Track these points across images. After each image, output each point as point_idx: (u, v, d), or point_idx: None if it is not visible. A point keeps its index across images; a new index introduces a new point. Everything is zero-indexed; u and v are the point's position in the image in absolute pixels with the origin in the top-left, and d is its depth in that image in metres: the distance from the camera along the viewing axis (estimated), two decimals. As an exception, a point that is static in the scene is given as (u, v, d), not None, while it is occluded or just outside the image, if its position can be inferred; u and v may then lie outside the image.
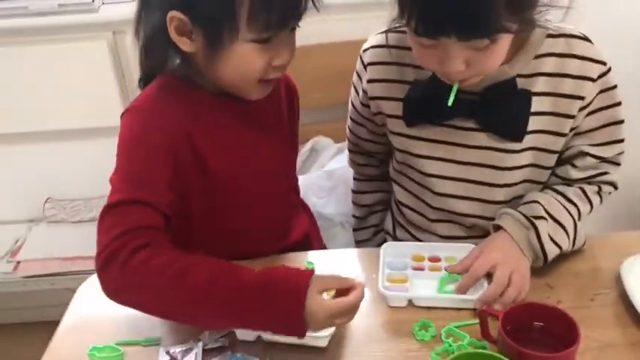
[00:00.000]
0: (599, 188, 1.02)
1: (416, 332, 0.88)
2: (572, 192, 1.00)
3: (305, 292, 0.77)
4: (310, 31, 0.95)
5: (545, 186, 1.04)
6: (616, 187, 1.04)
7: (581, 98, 0.95)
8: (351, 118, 1.18)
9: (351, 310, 0.82)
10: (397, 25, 0.96)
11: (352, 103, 1.16)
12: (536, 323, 0.79)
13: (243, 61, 0.89)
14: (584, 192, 1.01)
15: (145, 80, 0.99)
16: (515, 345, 0.72)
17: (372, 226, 1.27)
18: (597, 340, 0.85)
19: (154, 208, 0.85)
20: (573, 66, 0.95)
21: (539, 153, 1.00)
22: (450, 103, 0.90)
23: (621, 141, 1.00)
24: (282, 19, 0.86)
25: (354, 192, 1.28)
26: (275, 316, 0.78)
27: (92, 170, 1.99)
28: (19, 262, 1.84)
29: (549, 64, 0.95)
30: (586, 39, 0.97)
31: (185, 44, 0.89)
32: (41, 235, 1.95)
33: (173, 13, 0.86)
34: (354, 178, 1.29)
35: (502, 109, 0.96)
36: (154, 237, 0.83)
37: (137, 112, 0.93)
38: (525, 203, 0.99)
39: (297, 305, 0.77)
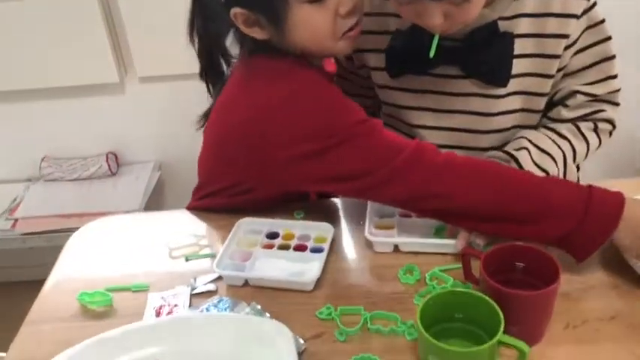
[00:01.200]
0: (595, 125, 1.00)
1: (401, 276, 0.89)
2: (564, 127, 0.99)
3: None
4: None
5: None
6: (614, 125, 1.02)
7: (566, 36, 0.94)
8: (336, 74, 1.17)
9: None
10: None
11: (336, 58, 1.14)
12: (517, 264, 0.79)
13: (310, 24, 0.88)
14: (577, 128, 0.99)
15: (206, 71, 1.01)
16: (496, 285, 0.73)
17: None
18: (582, 282, 0.86)
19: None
20: (556, 4, 0.93)
21: (527, 97, 0.99)
22: (431, 55, 0.89)
23: (614, 77, 0.98)
24: None
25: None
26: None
27: (88, 128, 2.00)
28: (17, 220, 1.86)
29: (531, 4, 0.94)
30: None
31: (257, 33, 0.90)
32: (38, 193, 1.97)
33: (235, 10, 0.87)
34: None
35: (485, 54, 0.95)
36: None
37: (290, 97, 0.90)
38: (513, 140, 0.99)
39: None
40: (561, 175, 0.96)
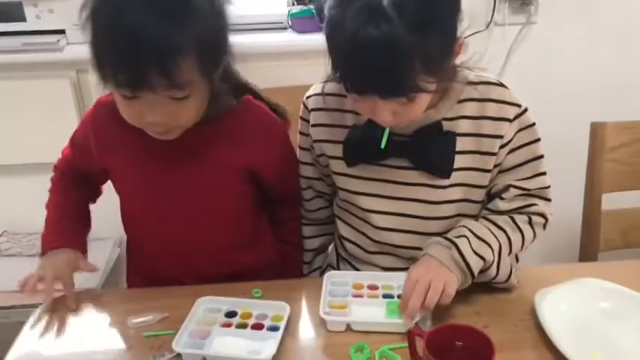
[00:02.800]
0: (530, 219, 1.08)
1: (352, 354, 0.94)
2: (501, 219, 1.08)
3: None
4: (266, 75, 1.03)
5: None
6: (546, 219, 1.10)
7: (501, 137, 1.05)
8: (300, 161, 1.26)
9: None
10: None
11: (300, 146, 1.25)
12: (457, 343, 0.86)
13: (118, 104, 1.00)
14: (513, 220, 1.08)
15: None
16: (437, 362, 0.79)
17: (318, 267, 1.34)
18: (516, 362, 0.93)
19: (75, 167, 1.21)
20: (491, 109, 1.06)
21: (468, 188, 1.09)
22: (382, 146, 1.01)
23: (543, 174, 1.09)
24: (130, 84, 0.92)
25: (306, 238, 1.33)
26: None
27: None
28: (-31, 296, 1.82)
29: (470, 108, 1.06)
30: (502, 85, 1.08)
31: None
32: (-6, 268, 1.94)
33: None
34: (303, 224, 1.34)
35: (430, 149, 1.07)
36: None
37: (87, 114, 1.16)
38: (454, 229, 1.07)
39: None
40: (495, 264, 1.04)
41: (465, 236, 1.03)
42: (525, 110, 1.07)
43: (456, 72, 1.04)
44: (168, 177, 1.11)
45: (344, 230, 1.22)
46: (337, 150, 1.14)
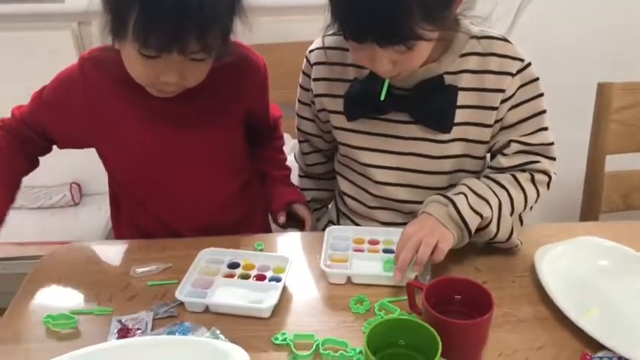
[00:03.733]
0: (532, 176, 1.08)
1: (352, 306, 0.96)
2: (503, 177, 1.07)
3: None
4: (270, 30, 1.02)
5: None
6: (549, 177, 1.09)
7: (502, 91, 1.05)
8: (298, 115, 1.27)
9: None
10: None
11: (299, 100, 1.25)
12: (456, 296, 0.87)
13: (131, 62, 0.98)
14: (515, 178, 1.07)
15: None
16: (436, 314, 0.80)
17: (316, 220, 1.35)
18: (514, 316, 0.94)
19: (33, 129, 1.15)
20: (494, 63, 1.05)
21: (468, 144, 1.09)
22: (382, 98, 1.00)
23: (545, 129, 1.08)
24: (162, 44, 0.91)
25: (300, 189, 1.35)
26: None
27: (53, 157, 2.01)
28: (-31, 245, 1.85)
29: (473, 62, 1.05)
30: (505, 40, 1.07)
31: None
32: (-4, 220, 1.96)
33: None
34: (300, 176, 1.38)
35: (431, 104, 1.06)
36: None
37: (67, 71, 1.12)
38: (456, 186, 1.07)
39: None
40: (495, 220, 1.03)
41: (462, 193, 1.03)
42: (528, 65, 1.06)
43: (457, 23, 1.03)
44: (173, 131, 1.11)
45: (344, 186, 1.23)
46: (338, 104, 1.13)
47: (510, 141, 1.08)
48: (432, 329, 0.78)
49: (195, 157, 1.14)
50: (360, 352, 0.86)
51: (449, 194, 1.04)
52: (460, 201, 1.01)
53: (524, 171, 1.09)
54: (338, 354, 0.86)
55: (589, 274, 1.01)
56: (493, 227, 1.04)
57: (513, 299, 0.98)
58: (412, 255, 0.96)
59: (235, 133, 1.18)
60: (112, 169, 1.20)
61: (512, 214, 1.07)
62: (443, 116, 1.06)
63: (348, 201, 1.23)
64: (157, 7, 0.88)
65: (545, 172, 1.09)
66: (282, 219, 1.22)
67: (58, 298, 1.00)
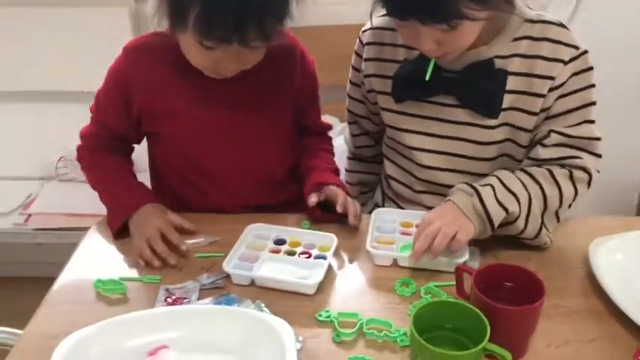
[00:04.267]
0: (571, 173, 1.02)
1: (397, 288, 0.95)
2: (538, 172, 1.03)
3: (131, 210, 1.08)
4: (320, 13, 1.01)
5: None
6: (590, 175, 1.03)
7: (552, 78, 1.00)
8: (349, 96, 1.26)
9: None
10: None
11: (350, 81, 1.23)
12: (506, 283, 0.85)
13: (189, 50, 1.01)
14: (551, 174, 1.02)
15: None
16: (485, 299, 0.78)
17: (362, 205, 1.32)
18: (565, 307, 0.92)
19: (108, 129, 1.16)
20: (546, 48, 1.01)
21: (514, 130, 1.05)
22: (427, 78, 0.98)
23: (591, 122, 1.03)
24: (223, 37, 0.93)
25: (347, 171, 1.35)
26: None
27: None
28: (30, 215, 1.92)
29: (524, 46, 1.02)
30: (562, 25, 1.02)
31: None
32: (52, 191, 2.03)
33: None
34: (348, 158, 1.36)
35: (480, 87, 1.03)
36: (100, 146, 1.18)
37: (119, 58, 1.12)
38: (484, 178, 1.04)
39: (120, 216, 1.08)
40: (523, 217, 0.99)
41: (490, 185, 0.99)
42: (583, 53, 1.01)
43: (511, 4, 0.99)
44: (228, 111, 1.11)
45: (391, 169, 1.21)
46: (387, 85, 1.12)
47: (550, 131, 1.03)
48: (480, 313, 0.76)
49: (247, 136, 1.14)
50: (404, 333, 0.85)
51: (477, 184, 1.01)
52: (486, 193, 0.98)
53: (562, 166, 1.03)
54: (382, 334, 0.85)
55: (646, 269, 0.97)
56: (520, 223, 1.00)
57: (565, 291, 0.95)
58: (429, 243, 0.94)
59: (285, 117, 1.18)
60: (163, 150, 1.20)
61: (544, 211, 1.02)
62: (491, 101, 1.03)
63: (394, 185, 1.21)
64: (218, 2, 0.90)
65: (585, 170, 1.03)
66: (312, 199, 1.09)
67: (108, 265, 1.03)
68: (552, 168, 1.03)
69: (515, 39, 1.02)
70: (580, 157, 1.03)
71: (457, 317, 0.79)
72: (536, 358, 0.82)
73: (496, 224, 0.98)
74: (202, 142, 1.14)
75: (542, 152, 1.04)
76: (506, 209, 0.98)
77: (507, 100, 1.03)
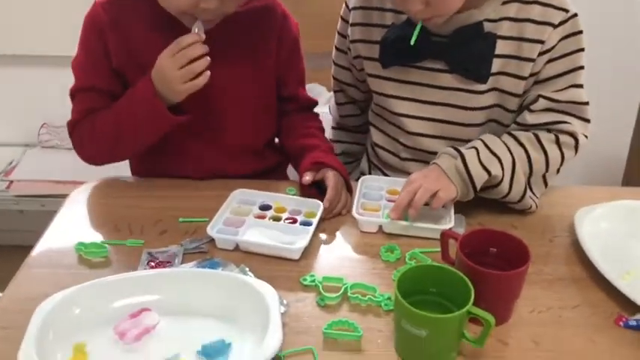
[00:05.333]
0: (557, 137, 1.02)
1: (382, 254, 0.95)
2: (524, 136, 1.02)
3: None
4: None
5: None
6: (577, 140, 1.03)
7: (541, 42, 0.99)
8: (334, 63, 1.23)
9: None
10: None
11: (336, 47, 1.21)
12: (491, 249, 0.85)
13: None
14: (537, 138, 1.02)
15: None
16: (470, 263, 0.78)
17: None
18: (550, 274, 0.92)
19: (99, 93, 1.08)
20: (536, 11, 0.99)
21: (502, 95, 1.04)
22: (412, 42, 0.96)
23: (579, 86, 1.02)
24: None
25: (332, 141, 1.31)
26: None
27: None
28: (11, 182, 1.90)
29: (514, 9, 1.00)
30: None
31: None
32: (35, 158, 2.00)
33: None
34: (333, 127, 1.35)
35: (469, 52, 1.01)
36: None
37: (88, 15, 1.08)
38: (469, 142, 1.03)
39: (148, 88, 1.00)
40: (507, 180, 0.99)
41: (475, 148, 0.99)
42: (573, 16, 0.99)
43: None
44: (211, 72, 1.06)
45: (377, 137, 1.20)
46: (373, 51, 1.10)
47: (539, 96, 1.02)
48: (464, 277, 0.76)
49: (224, 95, 1.10)
50: (389, 298, 0.85)
51: (462, 147, 1.00)
52: (470, 155, 0.98)
53: (549, 131, 1.03)
54: (366, 298, 0.85)
55: (630, 237, 0.97)
56: (504, 187, 1.00)
57: (550, 258, 0.95)
58: (410, 198, 0.95)
59: (265, 81, 1.15)
60: None
61: (530, 175, 1.02)
62: (480, 65, 1.01)
63: (381, 152, 1.20)
64: None
65: (572, 134, 1.03)
66: (307, 177, 1.06)
67: (90, 229, 1.01)
68: (539, 132, 1.03)
69: (505, 2, 1.00)
70: (568, 122, 1.02)
71: (442, 282, 0.79)
72: (520, 323, 0.83)
73: (478, 186, 0.98)
74: (184, 105, 1.07)
75: (529, 118, 1.03)
76: (488, 172, 0.98)
77: (496, 65, 1.02)
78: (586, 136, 1.04)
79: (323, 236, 0.99)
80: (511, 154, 1.00)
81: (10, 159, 2.00)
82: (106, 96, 1.09)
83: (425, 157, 1.12)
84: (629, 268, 0.91)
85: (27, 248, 0.97)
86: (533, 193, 1.04)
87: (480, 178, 0.98)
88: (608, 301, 0.86)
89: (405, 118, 1.11)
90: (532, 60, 1.00)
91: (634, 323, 0.82)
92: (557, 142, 1.02)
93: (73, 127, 1.11)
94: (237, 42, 1.08)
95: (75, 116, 1.11)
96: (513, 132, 1.04)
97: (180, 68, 0.97)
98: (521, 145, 1.01)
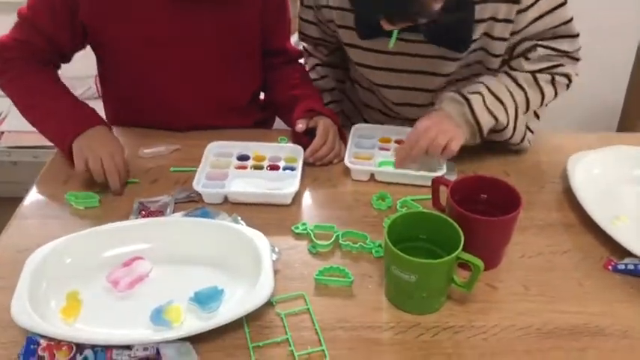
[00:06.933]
0: (553, 78, 1.02)
1: (374, 202, 0.95)
2: (521, 77, 1.01)
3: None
4: None
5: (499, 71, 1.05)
6: (570, 80, 1.04)
7: (517, 2, 0.95)
8: (300, 18, 1.16)
9: None
10: None
11: (302, 3, 1.13)
12: (482, 195, 0.85)
13: None
14: (535, 78, 1.01)
15: None
16: (460, 209, 0.78)
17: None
18: (541, 220, 0.93)
19: (43, 35, 1.03)
20: None
21: (484, 53, 1.02)
22: (390, 46, 0.92)
23: (574, 36, 1.01)
24: None
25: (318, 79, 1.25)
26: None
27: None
28: (2, 133, 1.88)
29: None
30: None
31: None
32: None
33: None
34: (317, 64, 1.25)
35: (447, 22, 0.93)
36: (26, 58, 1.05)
37: None
38: (472, 84, 1.02)
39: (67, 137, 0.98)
40: (511, 124, 1.00)
41: (479, 93, 0.98)
42: None
43: None
44: (188, 11, 1.03)
45: (365, 98, 1.19)
46: (348, 19, 1.04)
47: (537, 45, 1.00)
48: (454, 223, 0.76)
49: (203, 44, 1.06)
50: (379, 245, 0.85)
51: (465, 92, 0.99)
52: (476, 101, 0.97)
53: (544, 73, 1.02)
54: (357, 245, 0.85)
55: (622, 182, 0.98)
56: (509, 131, 1.00)
57: (541, 204, 0.96)
58: (427, 146, 0.94)
59: (247, 31, 1.10)
60: (113, 64, 1.11)
61: (526, 112, 1.03)
62: (460, 35, 0.98)
63: (372, 112, 1.20)
64: None
65: (566, 75, 1.03)
66: (300, 125, 1.04)
67: (80, 178, 0.99)
68: (535, 73, 1.02)
69: None
70: (562, 65, 1.02)
71: (432, 228, 0.79)
72: (510, 267, 0.83)
73: (485, 132, 0.98)
74: (157, 43, 1.04)
75: (526, 65, 1.02)
76: (496, 118, 0.98)
77: (476, 29, 0.98)
78: (577, 74, 1.04)
79: (313, 186, 0.99)
80: (513, 98, 1.00)
81: (-1, 110, 1.97)
82: (46, 41, 1.04)
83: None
84: (619, 213, 0.91)
85: (21, 200, 0.97)
86: (530, 130, 1.04)
87: (487, 124, 0.98)
88: (598, 246, 0.87)
89: (385, 88, 1.09)
90: (510, 21, 0.97)
91: (622, 267, 0.83)
92: (553, 81, 1.03)
93: (3, 47, 1.05)
94: None
95: (8, 40, 1.05)
96: (510, 72, 1.02)
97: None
98: (521, 87, 1.01)
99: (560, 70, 1.02)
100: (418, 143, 0.95)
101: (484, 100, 0.97)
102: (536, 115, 1.07)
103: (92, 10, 1.01)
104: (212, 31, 1.05)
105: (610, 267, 0.83)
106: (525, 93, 1.01)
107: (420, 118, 0.99)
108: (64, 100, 1.06)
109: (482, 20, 0.97)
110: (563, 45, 1.01)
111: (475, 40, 0.99)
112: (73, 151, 0.98)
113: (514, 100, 0.99)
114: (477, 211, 0.81)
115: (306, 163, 1.01)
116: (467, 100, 0.97)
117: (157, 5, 1.01)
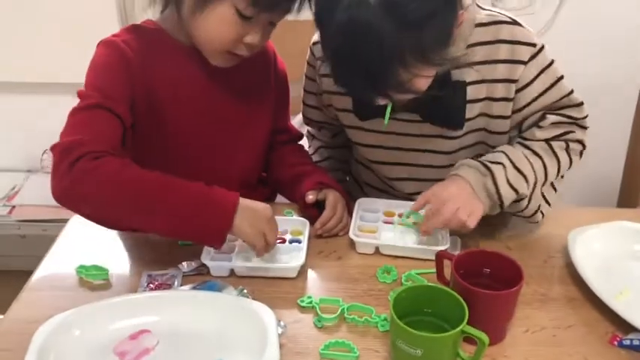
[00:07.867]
0: (567, 145, 1.03)
1: (379, 275, 0.96)
2: (537, 145, 1.03)
3: (233, 208, 0.89)
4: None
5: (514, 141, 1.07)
6: (584, 146, 1.05)
7: (514, 81, 0.98)
8: (304, 103, 1.22)
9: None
10: None
11: (305, 89, 1.20)
12: (485, 269, 0.86)
13: (220, 24, 0.94)
14: (550, 146, 1.03)
15: None
16: (464, 283, 0.79)
17: None
18: (543, 295, 0.93)
19: (115, 115, 0.94)
20: (503, 51, 0.98)
21: (485, 133, 1.06)
22: (385, 123, 0.98)
23: (579, 104, 1.03)
24: (270, 4, 0.92)
25: (322, 160, 1.30)
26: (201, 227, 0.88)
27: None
28: (14, 207, 1.91)
29: (480, 53, 0.98)
30: (515, 22, 0.99)
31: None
32: (37, 183, 2.03)
33: None
34: (321, 147, 1.31)
35: (440, 102, 0.99)
36: (110, 148, 0.90)
37: (107, 43, 1.00)
38: (492, 152, 1.03)
39: (225, 220, 0.88)
40: (528, 196, 1.01)
41: (501, 164, 0.98)
42: (541, 49, 0.99)
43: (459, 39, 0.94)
44: (225, 98, 1.08)
45: (364, 176, 1.23)
46: (346, 102, 1.09)
47: (544, 115, 1.03)
48: (459, 297, 0.77)
49: (229, 134, 1.10)
50: (385, 318, 0.86)
51: (487, 162, 0.99)
52: (499, 173, 0.97)
53: (558, 140, 1.04)
54: (363, 319, 0.86)
55: (623, 257, 0.99)
56: (525, 202, 1.01)
57: (544, 278, 0.97)
58: (442, 226, 0.96)
59: (268, 117, 1.15)
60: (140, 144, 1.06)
61: (544, 184, 1.04)
62: (453, 114, 1.02)
63: (370, 190, 1.23)
64: None
65: (579, 142, 1.05)
66: (310, 197, 1.06)
67: (90, 252, 1.02)
68: (550, 141, 1.03)
69: (468, 46, 0.98)
70: (574, 132, 1.04)
71: (437, 302, 0.80)
72: (514, 342, 0.83)
73: (506, 205, 0.99)
74: (196, 136, 1.07)
75: (538, 133, 1.03)
76: (516, 191, 0.98)
77: (472, 109, 1.02)
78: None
79: (319, 259, 1.01)
80: (532, 168, 1.00)
81: (13, 184, 2.02)
82: (117, 121, 0.95)
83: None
84: (622, 287, 0.92)
85: (28, 273, 0.98)
86: (547, 201, 1.05)
87: (509, 197, 0.98)
88: (603, 321, 0.87)
89: (381, 165, 1.13)
90: (510, 99, 1.00)
91: (628, 342, 0.83)
92: (567, 149, 1.04)
93: (80, 145, 0.88)
94: (248, 80, 1.09)
95: (81, 137, 0.90)
96: (526, 143, 1.04)
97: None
98: (539, 156, 1.02)
99: (572, 136, 1.04)
100: (442, 215, 0.95)
101: (506, 173, 0.98)
102: (554, 188, 1.07)
103: (138, 90, 1.00)
104: (244, 118, 1.10)
105: (615, 342, 0.83)
106: (543, 161, 1.01)
107: (441, 185, 0.99)
108: (193, 186, 0.91)
109: (478, 100, 1.01)
110: (572, 112, 1.03)
111: (472, 120, 1.03)
112: (237, 231, 0.90)
113: (533, 170, 1.00)
114: (481, 284, 0.82)
115: (311, 236, 1.03)
116: (490, 171, 0.98)
117: (188, 83, 1.04)
